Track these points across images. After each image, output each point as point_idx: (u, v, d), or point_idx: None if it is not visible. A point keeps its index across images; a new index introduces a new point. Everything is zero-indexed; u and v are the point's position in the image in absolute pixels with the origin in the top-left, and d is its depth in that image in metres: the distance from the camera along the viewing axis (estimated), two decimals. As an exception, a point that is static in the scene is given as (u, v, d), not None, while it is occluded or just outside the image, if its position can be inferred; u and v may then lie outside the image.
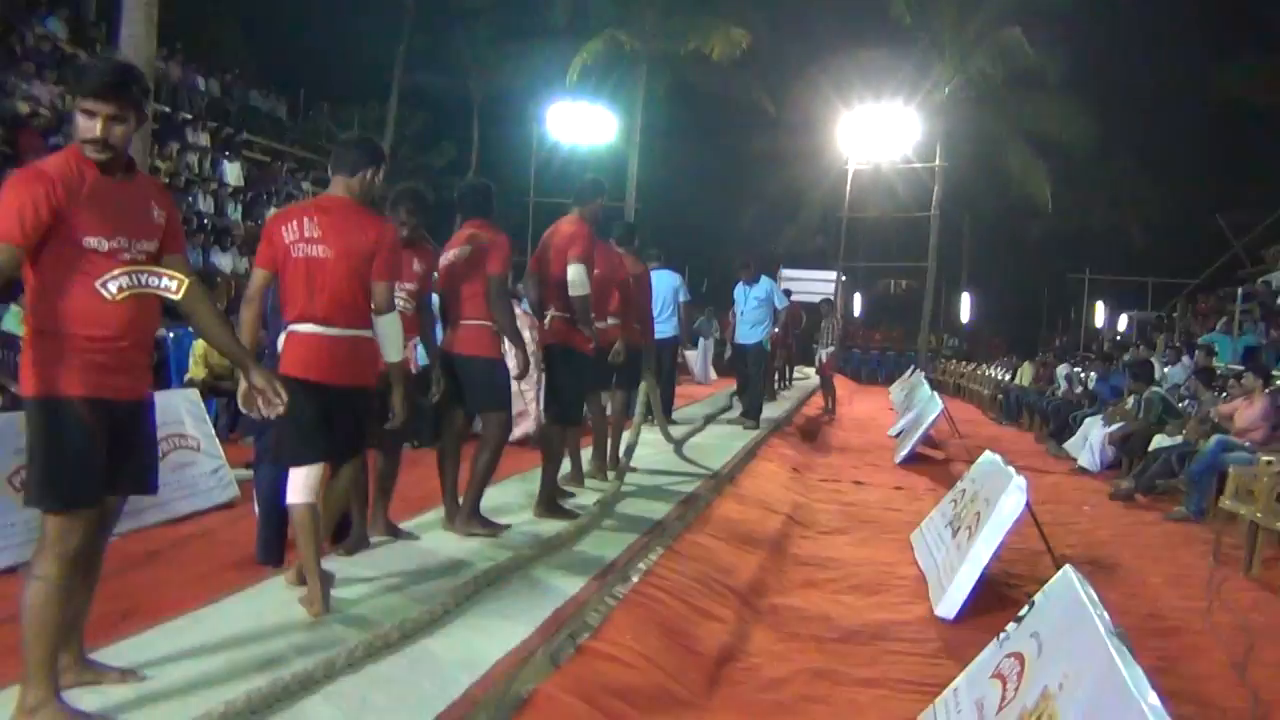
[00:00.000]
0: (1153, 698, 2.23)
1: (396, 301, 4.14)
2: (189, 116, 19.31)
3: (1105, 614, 2.88)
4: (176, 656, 3.38)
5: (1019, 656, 3.34)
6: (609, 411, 7.42)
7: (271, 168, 21.64)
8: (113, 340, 2.89)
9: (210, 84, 21.42)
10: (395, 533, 5.19)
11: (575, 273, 5.71)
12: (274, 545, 4.86)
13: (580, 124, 27.42)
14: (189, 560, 5.23)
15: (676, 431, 9.66)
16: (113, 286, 2.87)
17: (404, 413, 4.19)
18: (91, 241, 2.83)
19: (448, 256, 5.29)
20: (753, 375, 11.33)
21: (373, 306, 3.94)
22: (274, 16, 26.21)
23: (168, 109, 18.62)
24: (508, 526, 5.41)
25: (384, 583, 4.41)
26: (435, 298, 5.49)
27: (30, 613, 2.81)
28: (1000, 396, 18.29)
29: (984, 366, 23.76)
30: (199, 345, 9.11)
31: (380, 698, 3.17)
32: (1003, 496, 5.39)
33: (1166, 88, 27.42)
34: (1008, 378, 19.81)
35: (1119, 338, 23.73)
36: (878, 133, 27.68)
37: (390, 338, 4.00)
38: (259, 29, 27.23)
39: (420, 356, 5.31)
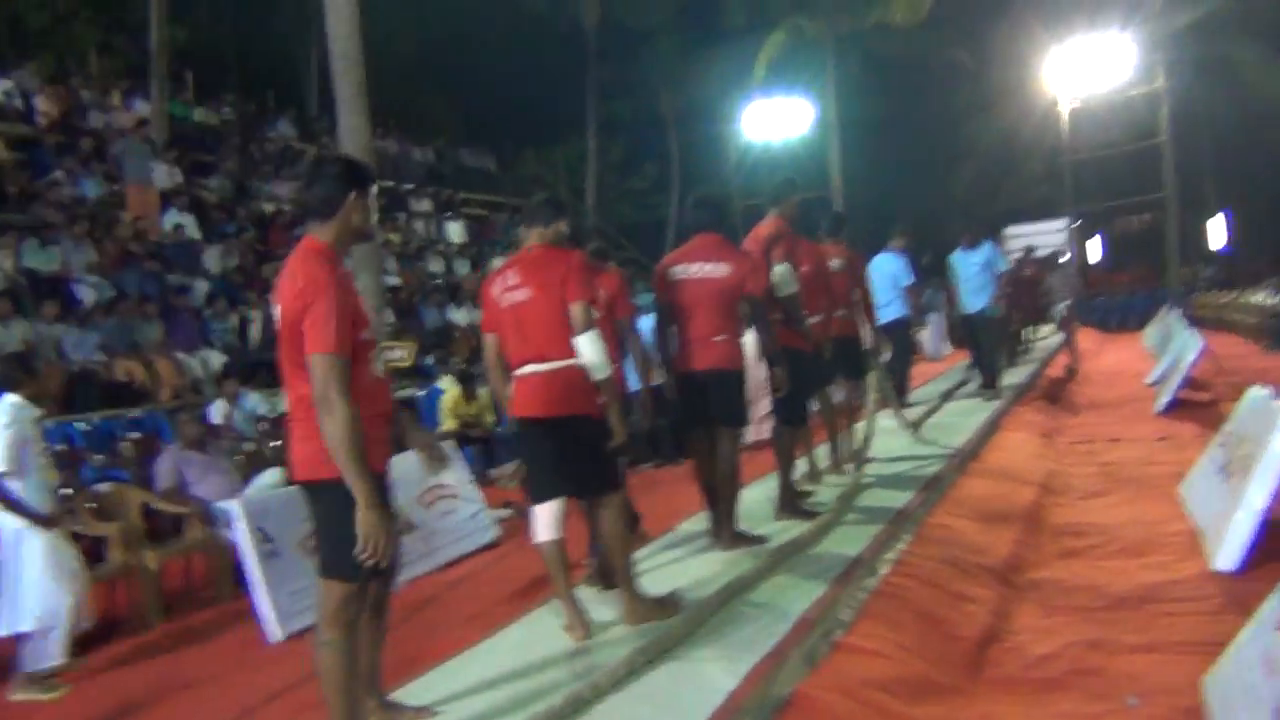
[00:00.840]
0: None
1: None
2: (410, 186, 20.72)
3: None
4: (459, 693, 3.71)
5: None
6: (837, 405, 7.38)
7: (490, 220, 22.83)
8: (384, 415, 3.31)
9: (425, 152, 22.89)
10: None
11: (780, 274, 5.76)
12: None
13: (776, 120, 27.29)
14: (460, 602, 5.66)
15: (914, 413, 9.47)
16: (379, 364, 3.30)
17: (621, 430, 4.28)
18: (365, 333, 3.23)
19: (691, 271, 5.28)
20: (984, 344, 10.92)
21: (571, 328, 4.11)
22: (472, 77, 27.68)
23: (390, 182, 20.07)
24: (766, 539, 5.44)
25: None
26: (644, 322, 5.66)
27: (327, 675, 3.16)
28: (1268, 323, 16.75)
29: (1246, 293, 21.79)
30: (447, 399, 9.78)
31: (646, 710, 3.35)
32: (1274, 433, 5.01)
33: None
34: (1276, 301, 18.12)
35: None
36: (1092, 64, 25.97)
37: (592, 355, 4.10)
38: (460, 93, 28.83)
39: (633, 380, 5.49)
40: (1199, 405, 10.27)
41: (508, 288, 4.22)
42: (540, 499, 4.20)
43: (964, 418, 9.39)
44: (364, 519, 3.01)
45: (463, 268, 18.80)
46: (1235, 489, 5.29)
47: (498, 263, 11.25)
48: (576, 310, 4.09)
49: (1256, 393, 6.12)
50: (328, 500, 3.14)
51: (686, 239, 5.52)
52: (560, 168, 28.47)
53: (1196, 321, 17.10)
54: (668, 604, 4.35)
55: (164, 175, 14.29)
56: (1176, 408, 10.17)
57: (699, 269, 5.25)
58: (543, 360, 4.13)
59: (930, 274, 18.37)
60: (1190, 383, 11.06)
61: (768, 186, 6.46)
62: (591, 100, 29.96)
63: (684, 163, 31.39)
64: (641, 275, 12.34)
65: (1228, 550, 4.94)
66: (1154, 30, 25.58)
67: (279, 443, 8.76)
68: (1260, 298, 19.78)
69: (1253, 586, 4.24)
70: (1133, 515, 6.19)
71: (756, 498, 6.25)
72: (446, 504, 7.03)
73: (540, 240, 4.30)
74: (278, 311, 3.18)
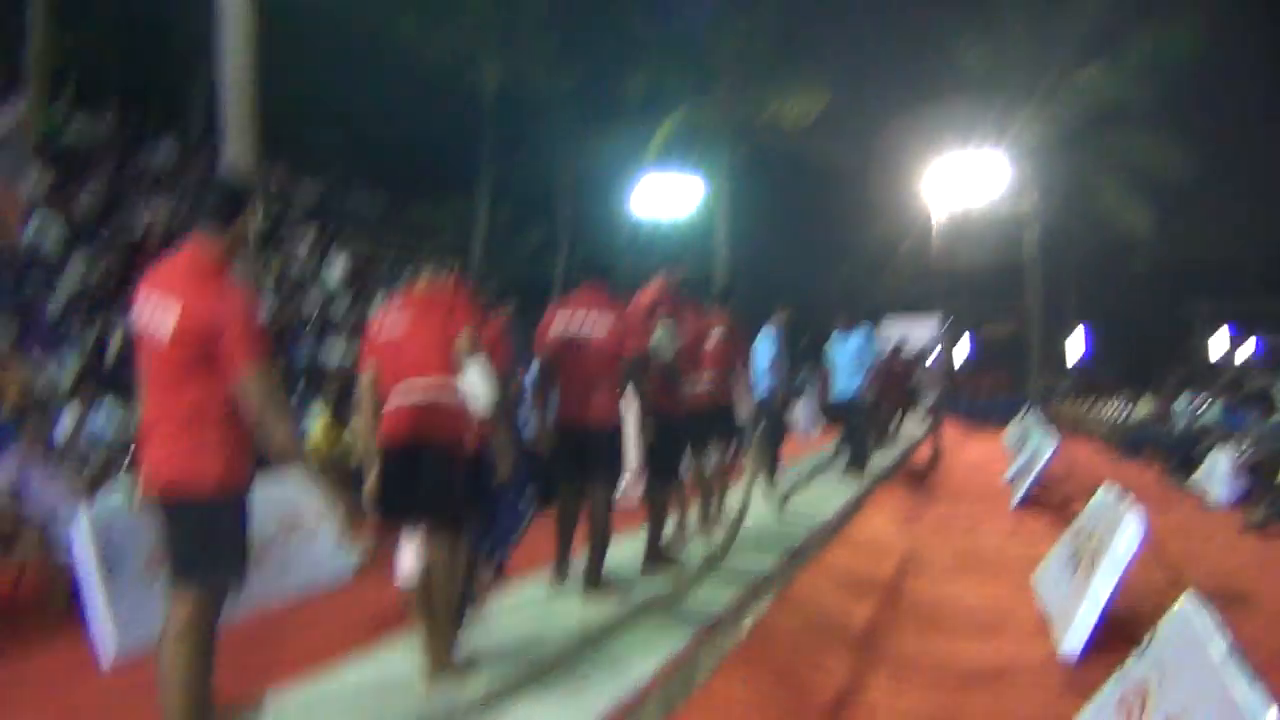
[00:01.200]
0: (1271, 716, 2.14)
1: None
2: (292, 219, 20.24)
3: (1223, 639, 2.78)
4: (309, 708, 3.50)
5: (1141, 689, 3.24)
6: (709, 469, 7.40)
7: (373, 262, 22.44)
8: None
9: (312, 187, 22.47)
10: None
11: (659, 338, 5.75)
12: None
13: (667, 196, 27.77)
14: (309, 633, 5.41)
15: (782, 486, 9.61)
16: None
17: (507, 465, 4.21)
18: None
19: (574, 324, 5.25)
20: (854, 427, 11.17)
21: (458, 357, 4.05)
22: (367, 119, 27.42)
23: (273, 213, 19.57)
24: (630, 589, 5.37)
25: (496, 641, 4.47)
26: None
27: (178, 683, 3.05)
28: (1118, 433, 17.65)
29: (1099, 403, 22.98)
30: (317, 426, 9.47)
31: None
32: (1118, 530, 5.24)
33: (1267, 109, 26.47)
34: (1125, 413, 19.13)
35: (1244, 365, 22.74)
36: (966, 179, 27.38)
37: (480, 382, 3.95)
38: (354, 131, 28.50)
39: None
40: (1052, 503, 10.69)
41: (390, 321, 4.13)
42: (389, 519, 4.06)
43: (831, 492, 9.54)
44: (343, 508, 3.20)
45: (341, 307, 18.36)
46: (1082, 581, 5.48)
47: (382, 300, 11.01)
48: (463, 337, 3.95)
49: (1107, 490, 6.39)
50: (199, 514, 3.07)
51: (558, 296, 5.52)
52: (450, 218, 28.24)
53: (1053, 426, 17.88)
54: (469, 669, 3.98)
55: (32, 181, 13.61)
56: (1031, 503, 10.57)
57: (581, 321, 5.24)
58: (414, 390, 3.96)
59: (807, 356, 18.82)
60: (1044, 480, 11.53)
61: (656, 256, 6.51)
62: (485, 158, 30.00)
63: (574, 229, 31.59)
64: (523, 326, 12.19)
65: (1072, 636, 5.10)
66: (1024, 151, 27.13)
67: (129, 460, 8.32)
68: (1112, 409, 20.87)
69: (1093, 671, 4.35)
70: (987, 598, 6.35)
71: (623, 552, 6.18)
72: (304, 534, 6.75)
73: (429, 282, 4.23)
74: (173, 311, 3.03)
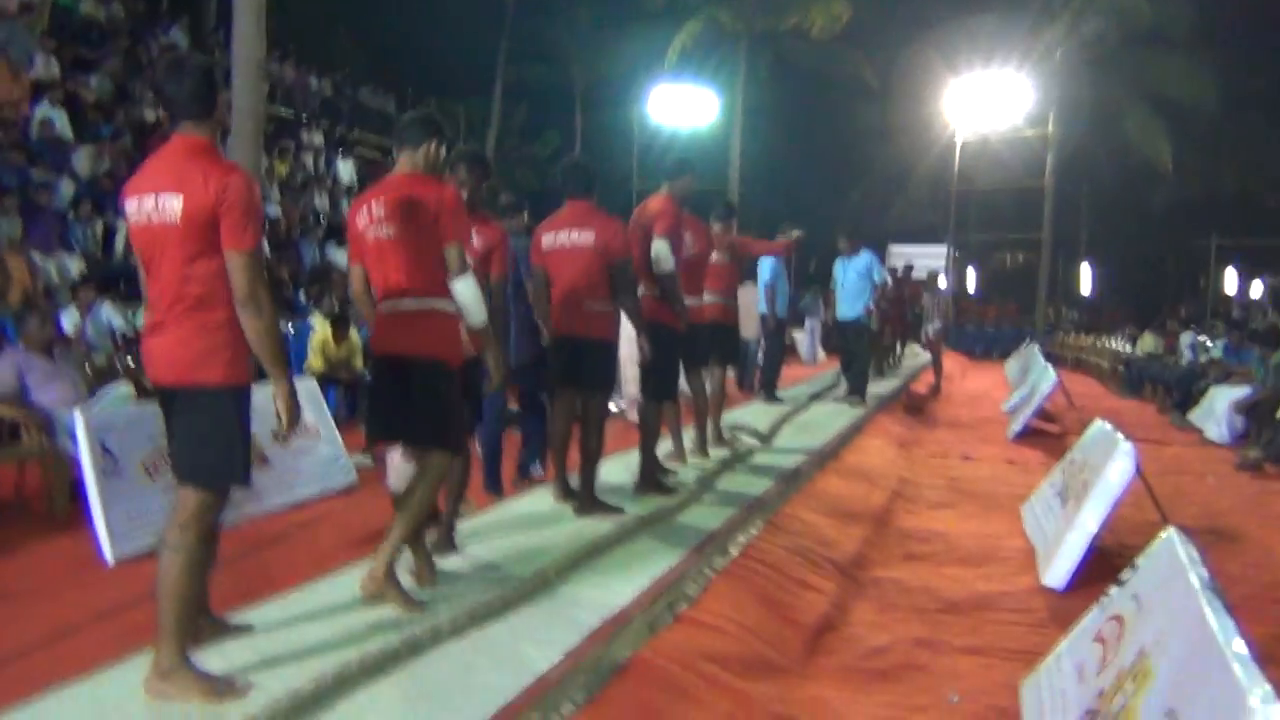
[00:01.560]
0: (1240, 646, 2.19)
1: None
2: (304, 116, 20.01)
3: (1203, 570, 2.83)
4: (294, 626, 3.59)
5: (1119, 619, 3.30)
6: (708, 389, 7.45)
7: (383, 162, 22.25)
8: None
9: (322, 84, 22.13)
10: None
11: (659, 248, 5.72)
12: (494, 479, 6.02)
13: (682, 107, 27.38)
14: (308, 541, 5.51)
15: (771, 417, 9.73)
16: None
17: (499, 375, 4.17)
18: None
19: (560, 240, 5.33)
20: (856, 351, 11.20)
21: (447, 271, 3.85)
22: (381, 17, 26.98)
23: (283, 110, 19.34)
24: (621, 510, 5.45)
25: (490, 555, 4.56)
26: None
27: (172, 581, 3.04)
28: (1121, 368, 17.66)
29: (1104, 338, 22.96)
30: (316, 338, 9.49)
31: (483, 660, 3.31)
32: (1110, 463, 5.28)
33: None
34: (1128, 348, 19.11)
35: (1251, 304, 22.64)
36: (987, 101, 26.94)
37: (469, 300, 3.87)
38: (367, 29, 28.05)
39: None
40: (1049, 436, 10.78)
41: (373, 220, 3.90)
42: (373, 438, 4.11)
43: (828, 420, 9.62)
44: (288, 405, 3.18)
45: (349, 207, 18.27)
46: (1070, 513, 5.54)
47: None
48: (451, 252, 3.81)
49: (1100, 426, 6.43)
50: (205, 405, 3.09)
51: (559, 205, 5.50)
52: (461, 121, 27.92)
53: (1055, 359, 17.92)
54: (412, 601, 3.84)
55: (40, 65, 13.43)
56: (1027, 435, 10.65)
57: (567, 236, 5.29)
58: (403, 297, 3.85)
59: (814, 280, 18.77)
60: (1042, 413, 11.60)
61: (665, 166, 6.44)
62: (501, 60, 29.52)
63: (588, 136, 31.26)
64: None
65: (1057, 568, 5.18)
66: (1048, 73, 26.64)
67: (131, 358, 8.36)
68: (1115, 344, 20.84)
69: (1076, 603, 4.43)
70: (976, 528, 6.44)
71: (618, 470, 6.27)
72: (304, 443, 6.82)
73: (410, 165, 3.98)
74: (173, 205, 3.02)
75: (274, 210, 14.79)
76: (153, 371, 3.18)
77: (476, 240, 4.65)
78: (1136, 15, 24.52)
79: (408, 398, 3.83)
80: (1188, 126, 26.63)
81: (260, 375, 3.18)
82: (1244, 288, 26.64)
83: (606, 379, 5.49)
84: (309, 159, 18.89)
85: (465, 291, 3.85)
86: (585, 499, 5.42)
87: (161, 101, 3.88)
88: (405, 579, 3.95)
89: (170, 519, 3.12)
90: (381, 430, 4.06)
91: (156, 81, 3.56)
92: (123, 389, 6.93)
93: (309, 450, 6.90)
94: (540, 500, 5.69)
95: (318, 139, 19.85)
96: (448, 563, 4.38)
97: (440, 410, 3.87)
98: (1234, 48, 25.66)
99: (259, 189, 3.19)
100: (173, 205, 3.02)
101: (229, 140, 9.14)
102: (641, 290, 5.82)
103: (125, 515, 5.23)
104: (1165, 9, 24.70)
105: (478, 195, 4.82)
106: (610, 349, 5.46)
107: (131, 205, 3.14)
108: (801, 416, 9.82)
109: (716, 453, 7.31)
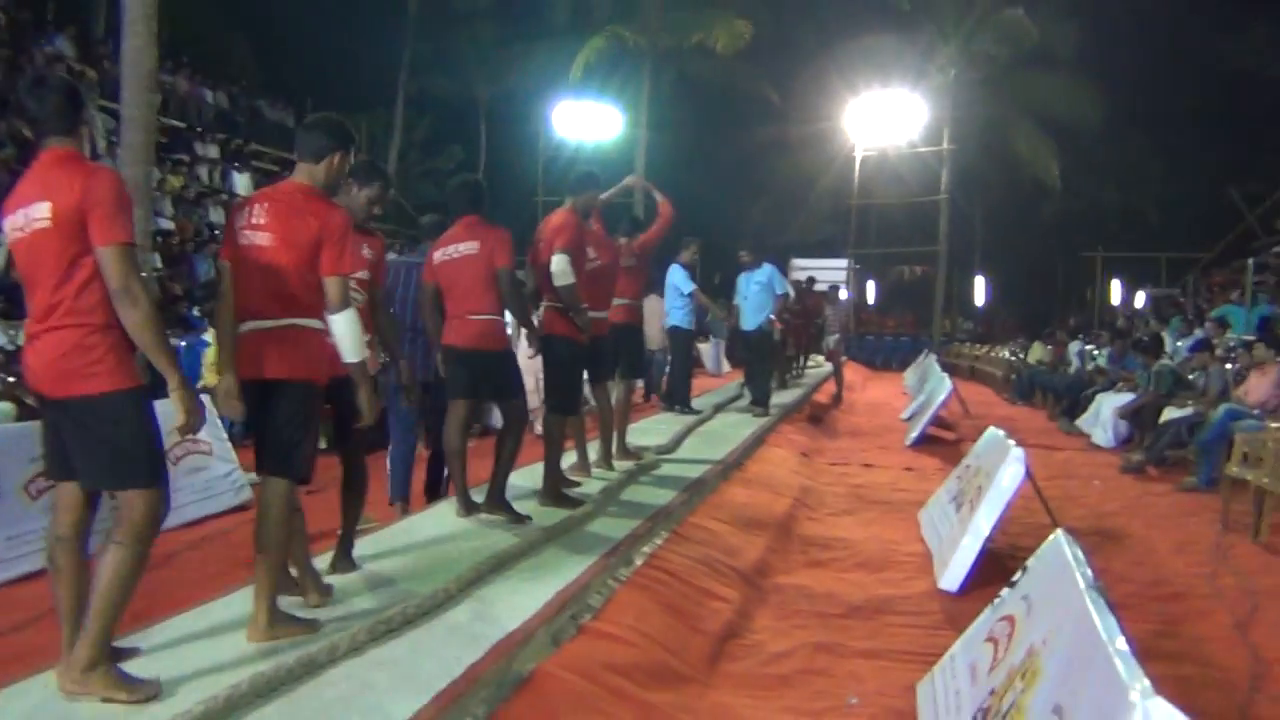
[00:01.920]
0: (1121, 643, 2.27)
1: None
2: (198, 129, 19.49)
3: (1088, 570, 2.93)
4: (186, 648, 3.48)
5: (1010, 619, 3.40)
6: (614, 401, 7.47)
7: (281, 176, 21.82)
8: None
9: (218, 96, 21.61)
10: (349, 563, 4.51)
11: (558, 263, 5.74)
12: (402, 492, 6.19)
13: (587, 122, 27.45)
14: (200, 561, 5.36)
15: (682, 421, 9.83)
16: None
17: (371, 414, 3.85)
18: None
19: (449, 253, 5.34)
20: (758, 364, 11.32)
21: (326, 304, 3.62)
22: (279, 27, 26.46)
23: (176, 122, 18.82)
24: (529, 518, 5.45)
25: (392, 571, 4.49)
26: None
27: (120, 582, 3.03)
28: (1013, 377, 18.24)
29: (997, 348, 23.70)
30: (210, 353, 9.23)
31: (382, 678, 3.25)
32: (1002, 468, 5.44)
33: (1173, 62, 27.11)
34: (1020, 358, 19.75)
35: (1133, 314, 23.59)
36: (884, 119, 27.62)
37: (346, 337, 3.64)
38: (265, 40, 27.50)
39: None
40: (945, 443, 11.07)
41: (251, 224, 3.60)
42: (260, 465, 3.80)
43: (733, 430, 9.71)
44: (183, 397, 3.07)
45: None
46: (965, 517, 5.70)
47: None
48: (331, 286, 3.57)
49: (992, 433, 6.63)
50: (100, 411, 3.01)
51: (452, 224, 5.52)
52: (364, 134, 27.50)
53: (951, 368, 18.42)
54: (306, 624, 3.71)
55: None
56: (925, 442, 10.92)
57: (455, 250, 5.32)
58: (265, 317, 3.58)
59: (719, 294, 18.93)
60: (939, 421, 11.91)
61: (569, 179, 6.47)
62: (404, 72, 29.21)
63: (492, 150, 31.12)
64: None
65: (952, 572, 5.32)
66: (943, 91, 27.48)
67: (12, 376, 8.02)
68: (1007, 353, 21.51)
69: (970, 605, 4.55)
70: (876, 534, 6.57)
71: (522, 483, 6.23)
72: (196, 460, 6.63)
73: (308, 177, 3.73)
74: (42, 211, 2.96)
75: (167, 224, 14.37)
76: (35, 382, 3.09)
77: (367, 251, 4.49)
78: (1024, 37, 25.53)
79: (271, 424, 3.61)
80: (1074, 144, 27.75)
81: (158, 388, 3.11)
82: (1128, 299, 27.69)
83: (515, 385, 5.49)
84: (203, 172, 18.43)
85: (343, 326, 3.62)
86: (493, 500, 5.44)
87: (25, 120, 3.72)
88: (293, 601, 3.87)
89: (121, 523, 3.06)
90: (259, 456, 3.74)
91: (19, 100, 3.33)
92: (3, 406, 6.66)
93: (201, 467, 6.72)
94: (444, 515, 5.62)
95: (213, 151, 19.38)
96: (348, 579, 4.30)
97: (294, 437, 3.61)
98: (1114, 69, 26.83)
99: (124, 184, 3.12)
100: (42, 212, 2.96)
101: (118, 152, 8.84)
102: (546, 303, 5.86)
103: (4, 539, 5.02)
104: (1051, 31, 25.79)
105: (373, 209, 4.62)
106: (508, 356, 5.50)
107: (8, 222, 3.08)
108: (706, 427, 9.90)
109: (622, 465, 7.32)
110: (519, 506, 5.59)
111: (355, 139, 3.92)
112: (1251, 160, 26.89)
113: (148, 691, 3.05)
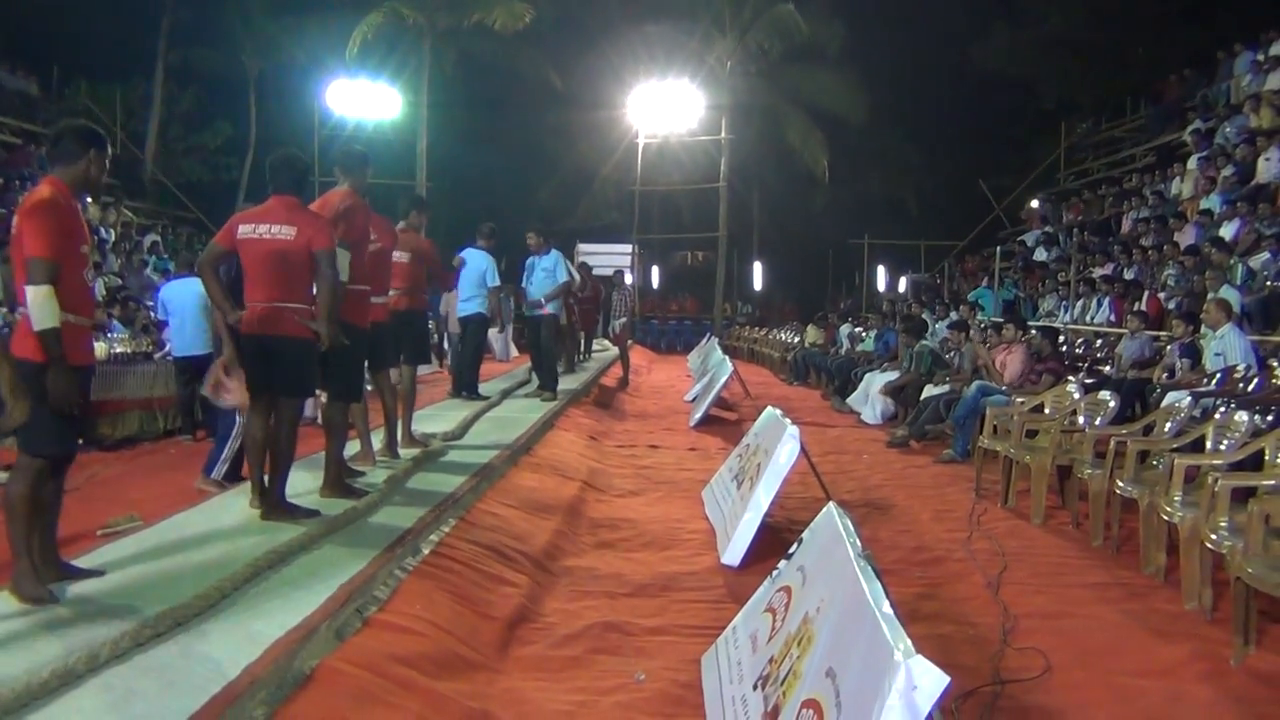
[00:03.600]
0: (886, 607, 2.42)
1: None
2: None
3: (857, 540, 3.09)
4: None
5: (787, 589, 3.56)
6: (399, 389, 7.30)
7: (23, 150, 20.07)
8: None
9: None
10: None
11: (342, 258, 5.52)
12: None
13: (364, 100, 26.58)
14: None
15: (470, 406, 9.74)
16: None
17: (18, 410, 3.78)
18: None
19: (259, 231, 5.03)
20: (544, 347, 11.33)
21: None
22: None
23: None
24: (316, 513, 5.24)
25: (160, 569, 4.23)
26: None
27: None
28: (789, 358, 19.06)
29: (774, 331, 24.70)
30: None
31: (149, 685, 3.05)
32: (779, 445, 5.68)
33: (929, 62, 29.00)
34: (796, 340, 20.66)
35: (896, 298, 25.12)
36: (666, 106, 28.19)
37: (32, 309, 3.74)
38: (3, 3, 25.05)
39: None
40: (727, 423, 11.45)
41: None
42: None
43: (521, 415, 9.69)
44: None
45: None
46: (745, 494, 5.92)
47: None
48: (30, 263, 3.75)
49: (770, 412, 6.91)
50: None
51: (264, 199, 5.24)
52: (116, 106, 25.57)
53: (731, 351, 19.07)
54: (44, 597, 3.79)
55: None
56: (708, 423, 11.25)
57: (267, 230, 5.04)
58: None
59: (505, 279, 18.81)
60: (721, 403, 12.30)
61: (340, 158, 6.27)
62: (163, 41, 27.35)
63: (263, 126, 29.58)
64: (201, 235, 11.40)
65: (734, 548, 5.52)
66: (720, 81, 28.35)
67: None
68: (783, 336, 22.45)
69: (751, 579, 4.72)
70: (662, 514, 6.73)
71: (304, 476, 6.00)
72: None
73: (65, 177, 3.95)
74: None
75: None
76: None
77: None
78: (795, 31, 26.65)
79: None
80: (841, 136, 29.21)
81: None
82: (892, 283, 29.46)
83: (304, 382, 5.26)
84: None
85: (31, 298, 3.73)
86: (273, 503, 5.18)
87: None
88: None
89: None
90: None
91: None
92: None
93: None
94: (228, 507, 5.35)
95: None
96: (105, 582, 4.01)
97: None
98: (877, 66, 28.41)
99: None
100: None
101: None
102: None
103: None
104: (819, 28, 27.07)
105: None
106: (308, 347, 5.16)
107: None
108: (494, 412, 9.84)
109: (407, 452, 7.17)
110: (302, 500, 5.39)
111: (106, 142, 4.11)
112: (998, 155, 29.17)
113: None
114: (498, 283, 10.28)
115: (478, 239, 10.38)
